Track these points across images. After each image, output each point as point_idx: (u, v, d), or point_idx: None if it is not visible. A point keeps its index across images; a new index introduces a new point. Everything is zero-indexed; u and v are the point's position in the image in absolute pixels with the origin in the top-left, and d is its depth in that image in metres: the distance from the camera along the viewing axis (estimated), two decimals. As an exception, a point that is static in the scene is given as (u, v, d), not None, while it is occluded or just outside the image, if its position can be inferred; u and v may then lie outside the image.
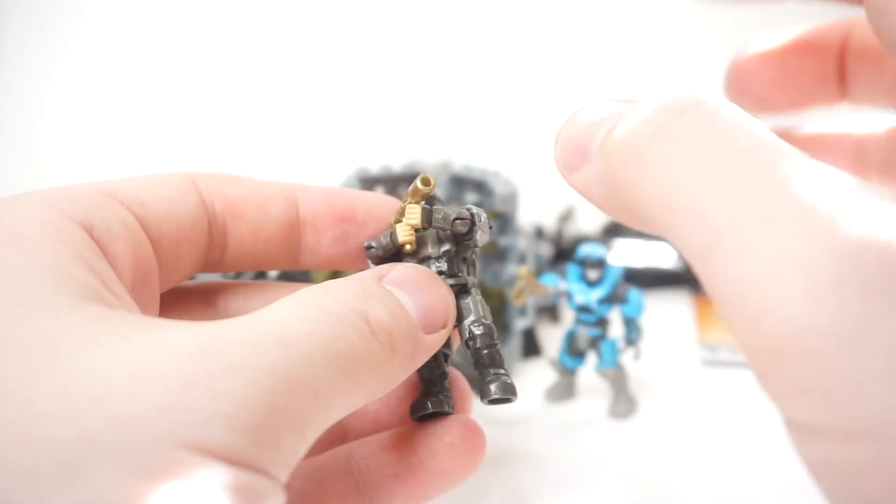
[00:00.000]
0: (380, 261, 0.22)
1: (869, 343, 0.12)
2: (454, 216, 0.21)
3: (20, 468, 0.12)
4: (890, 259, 0.12)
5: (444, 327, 0.20)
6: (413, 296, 0.19)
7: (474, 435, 0.22)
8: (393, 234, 0.22)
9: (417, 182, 0.21)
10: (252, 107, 0.62)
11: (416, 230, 0.22)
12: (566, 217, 0.58)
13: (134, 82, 0.63)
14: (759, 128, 0.15)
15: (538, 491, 0.35)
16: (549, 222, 0.57)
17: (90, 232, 0.17)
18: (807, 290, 0.12)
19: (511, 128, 0.63)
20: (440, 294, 0.20)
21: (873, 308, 0.12)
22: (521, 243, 0.47)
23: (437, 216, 0.21)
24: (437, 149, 0.52)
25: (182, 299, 0.23)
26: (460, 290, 0.22)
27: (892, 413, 0.12)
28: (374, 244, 0.22)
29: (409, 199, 0.22)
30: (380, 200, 0.24)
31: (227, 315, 0.23)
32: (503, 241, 0.45)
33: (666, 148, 0.15)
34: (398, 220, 0.22)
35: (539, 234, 0.54)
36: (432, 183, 0.21)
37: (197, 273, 0.22)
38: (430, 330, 0.19)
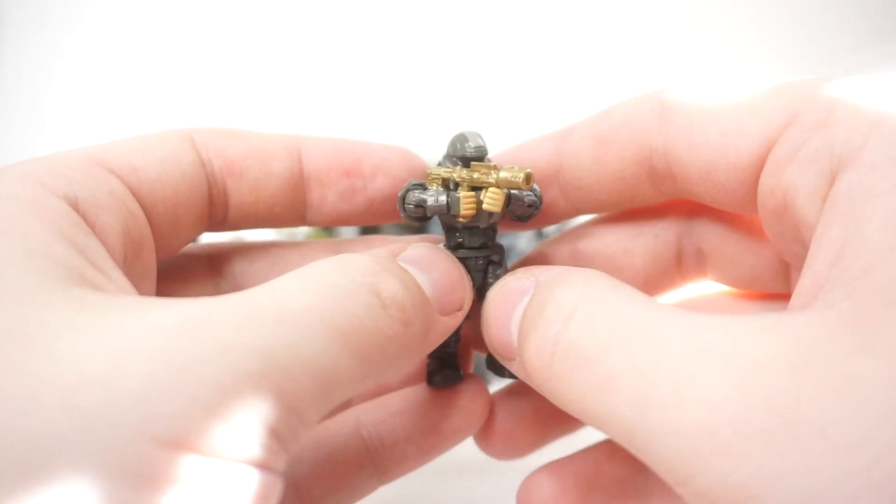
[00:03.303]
0: (410, 218, 0.21)
1: None
2: (528, 202, 0.20)
3: None
4: None
5: (459, 309, 0.19)
6: (429, 275, 0.18)
7: (482, 393, 0.22)
8: (453, 205, 0.20)
9: (520, 176, 0.18)
10: (251, 106, 0.62)
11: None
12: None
13: (134, 68, 0.63)
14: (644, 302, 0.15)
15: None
16: (550, 223, 0.57)
17: (75, 206, 0.16)
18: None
19: (512, 127, 0.63)
20: (457, 275, 0.19)
21: None
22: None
23: (517, 203, 0.20)
24: (437, 148, 0.52)
25: (186, 266, 0.22)
26: (489, 263, 0.21)
27: None
28: (415, 201, 0.20)
29: (487, 176, 0.19)
30: (388, 152, 0.22)
31: (233, 278, 0.22)
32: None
33: (565, 367, 0.15)
34: (443, 182, 0.20)
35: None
36: (532, 183, 0.19)
37: (200, 234, 0.21)
38: (445, 311, 0.19)
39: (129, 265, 0.18)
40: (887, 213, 0.13)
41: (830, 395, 0.12)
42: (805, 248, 0.16)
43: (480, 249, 0.21)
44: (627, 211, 0.23)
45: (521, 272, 0.19)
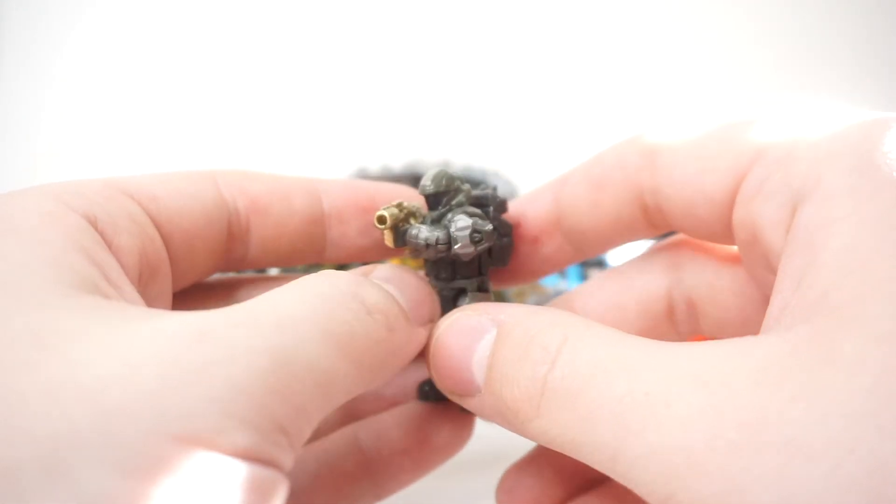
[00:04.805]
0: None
1: None
2: (425, 242, 0.20)
3: (3, 467, 0.12)
4: None
5: (431, 321, 0.20)
6: (400, 289, 0.20)
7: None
8: (385, 239, 0.21)
9: (374, 218, 0.20)
10: (251, 108, 0.62)
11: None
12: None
13: (135, 87, 0.63)
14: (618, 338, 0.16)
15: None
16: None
17: (94, 224, 0.17)
18: None
19: (511, 128, 0.63)
20: (425, 290, 0.21)
21: None
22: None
23: (411, 241, 0.20)
24: (436, 148, 0.52)
25: (201, 296, 0.22)
26: (458, 294, 0.22)
27: None
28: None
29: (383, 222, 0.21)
30: (400, 190, 0.24)
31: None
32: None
33: (551, 405, 0.16)
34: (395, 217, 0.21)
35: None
36: (387, 222, 0.20)
37: (219, 272, 0.22)
38: (418, 323, 0.20)
39: (144, 285, 0.18)
40: (841, 239, 0.14)
41: (793, 405, 0.13)
42: (775, 276, 0.17)
43: (438, 279, 0.22)
44: (617, 269, 0.24)
45: (472, 309, 0.20)
